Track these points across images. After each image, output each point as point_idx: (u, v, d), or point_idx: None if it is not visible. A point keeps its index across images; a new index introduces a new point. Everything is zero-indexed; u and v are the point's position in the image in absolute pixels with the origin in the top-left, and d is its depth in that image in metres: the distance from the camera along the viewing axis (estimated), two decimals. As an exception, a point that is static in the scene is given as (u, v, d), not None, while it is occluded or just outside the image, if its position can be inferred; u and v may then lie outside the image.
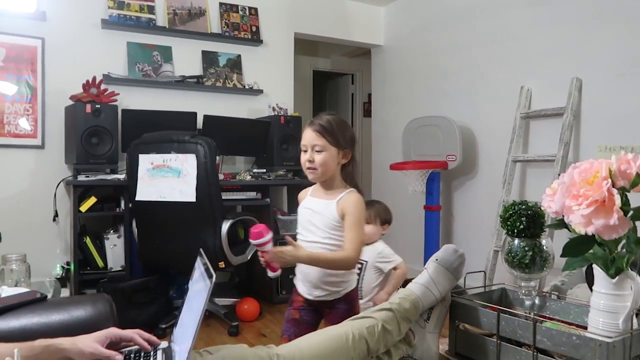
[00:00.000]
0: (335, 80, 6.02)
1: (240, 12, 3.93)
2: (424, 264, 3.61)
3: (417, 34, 4.30)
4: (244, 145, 3.64)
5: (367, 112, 5.71)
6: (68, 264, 3.08)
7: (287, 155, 3.70)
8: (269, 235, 1.49)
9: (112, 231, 3.05)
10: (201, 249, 1.18)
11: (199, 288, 1.03)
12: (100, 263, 2.97)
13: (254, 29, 3.96)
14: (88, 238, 2.95)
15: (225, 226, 2.78)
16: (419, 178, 3.63)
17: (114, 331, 1.09)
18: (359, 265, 2.11)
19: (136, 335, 1.11)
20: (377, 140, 4.80)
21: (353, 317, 1.32)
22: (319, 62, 5.62)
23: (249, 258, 3.00)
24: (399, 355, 1.32)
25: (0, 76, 3.13)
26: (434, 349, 1.37)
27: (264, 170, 3.60)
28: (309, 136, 1.57)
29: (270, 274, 1.54)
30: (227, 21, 3.86)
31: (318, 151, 1.56)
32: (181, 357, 0.94)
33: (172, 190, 2.71)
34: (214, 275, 0.91)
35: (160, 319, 2.80)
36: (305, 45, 4.90)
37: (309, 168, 1.58)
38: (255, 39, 3.94)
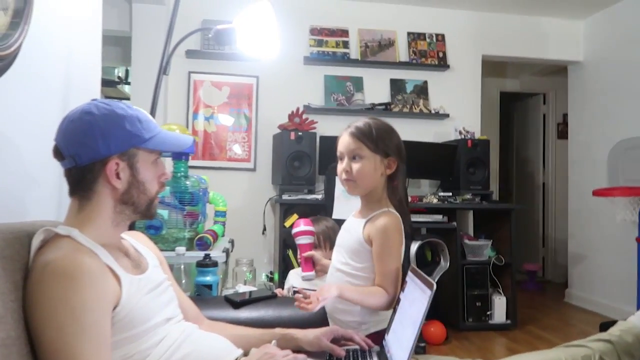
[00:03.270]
0: (524, 101, 5.70)
1: (428, 40, 4.03)
2: (638, 303, 3.18)
3: (623, 47, 3.86)
4: (430, 168, 3.69)
5: (562, 134, 5.26)
6: (272, 273, 3.47)
7: (474, 179, 3.64)
8: (306, 227, 1.53)
9: (309, 246, 3.35)
10: (412, 265, 1.26)
11: (414, 297, 1.11)
12: (299, 274, 3.29)
13: (440, 54, 4.02)
14: (290, 251, 3.29)
15: (414, 247, 2.85)
16: (629, 206, 3.22)
17: (336, 329, 1.23)
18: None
19: (355, 335, 1.23)
20: (574, 164, 4.39)
21: (565, 344, 1.25)
22: (507, 83, 5.40)
23: (435, 280, 3.00)
24: (620, 394, 1.21)
25: (224, 110, 3.74)
26: (667, 394, 1.22)
27: (450, 193, 3.58)
28: (345, 141, 1.34)
29: (302, 273, 1.54)
30: (414, 49, 3.99)
31: (355, 159, 1.32)
32: (402, 358, 1.02)
33: (365, 210, 2.88)
34: (434, 284, 0.98)
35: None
36: (491, 67, 4.77)
37: (345, 179, 1.35)
38: (442, 64, 3.99)
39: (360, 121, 1.36)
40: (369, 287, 1.31)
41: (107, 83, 4.42)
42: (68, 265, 0.88)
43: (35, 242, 0.95)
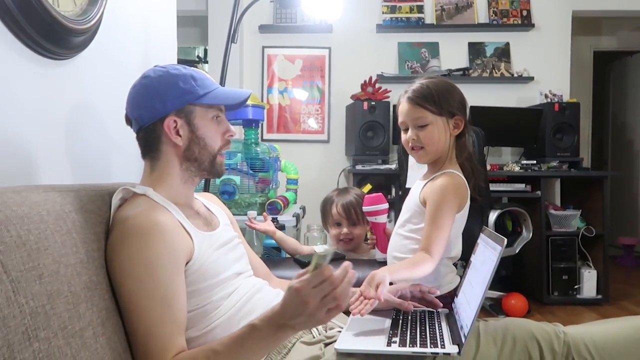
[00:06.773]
0: (622, 61, 5.18)
1: (510, -3, 3.77)
2: None
3: None
4: (512, 135, 3.49)
5: (667, 95, 4.74)
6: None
7: (561, 146, 3.40)
8: (383, 205, 1.43)
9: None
10: (484, 226, 1.21)
11: (485, 257, 1.07)
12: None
13: (524, 13, 3.75)
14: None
15: (493, 216, 2.73)
16: None
17: (403, 287, 1.22)
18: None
19: (424, 287, 1.21)
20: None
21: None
22: (601, 41, 4.93)
23: (517, 251, 2.87)
24: None
25: (298, 83, 3.78)
26: None
27: (534, 161, 3.38)
28: (405, 109, 1.28)
29: (378, 255, 1.46)
30: (495, 9, 3.76)
31: (421, 126, 1.26)
32: (468, 318, 0.99)
33: (440, 179, 2.80)
34: (505, 239, 0.93)
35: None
36: (583, 24, 4.37)
37: (413, 148, 1.29)
38: (526, 23, 3.72)
39: (417, 83, 1.30)
40: (411, 259, 1.25)
41: (187, 63, 4.61)
42: (144, 222, 0.94)
43: (115, 199, 1.02)
